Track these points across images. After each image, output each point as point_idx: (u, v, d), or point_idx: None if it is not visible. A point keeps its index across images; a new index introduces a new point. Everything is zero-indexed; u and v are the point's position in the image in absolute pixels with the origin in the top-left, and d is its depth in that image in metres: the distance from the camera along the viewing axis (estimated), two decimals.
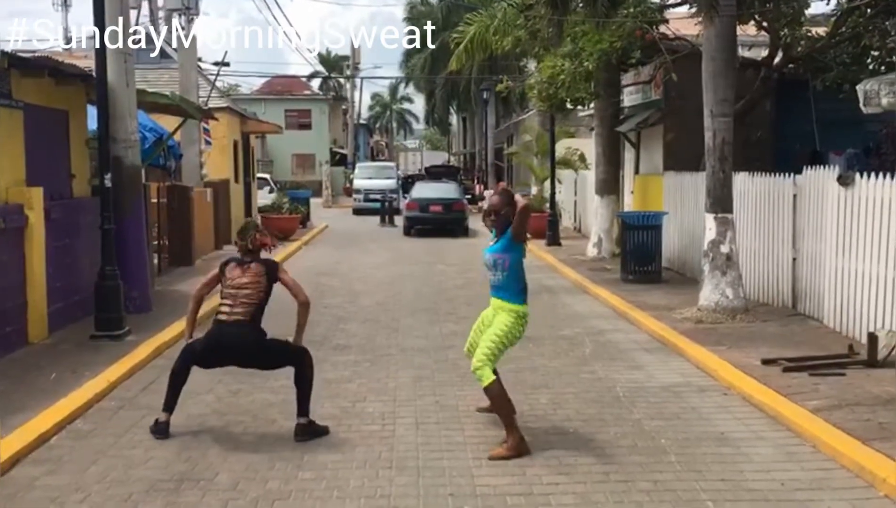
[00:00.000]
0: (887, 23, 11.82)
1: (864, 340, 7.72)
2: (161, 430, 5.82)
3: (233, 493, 4.84)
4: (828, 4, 11.86)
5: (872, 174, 8.09)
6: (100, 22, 8.95)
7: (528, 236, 5.88)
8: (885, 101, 7.48)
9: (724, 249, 9.79)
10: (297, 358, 6.05)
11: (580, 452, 5.47)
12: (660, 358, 8.18)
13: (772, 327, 9.08)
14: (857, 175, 8.33)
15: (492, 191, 5.73)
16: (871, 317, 7.96)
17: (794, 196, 9.72)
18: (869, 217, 8.07)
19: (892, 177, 7.77)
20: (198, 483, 4.98)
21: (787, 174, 9.96)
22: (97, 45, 8.98)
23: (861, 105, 8.07)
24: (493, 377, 5.56)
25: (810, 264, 9.38)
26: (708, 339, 8.52)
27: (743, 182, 10.81)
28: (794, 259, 9.76)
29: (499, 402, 5.58)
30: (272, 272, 6.06)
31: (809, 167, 9.70)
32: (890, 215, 7.76)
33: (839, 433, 5.50)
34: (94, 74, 9.31)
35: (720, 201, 9.86)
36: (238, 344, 5.90)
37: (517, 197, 5.73)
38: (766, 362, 7.38)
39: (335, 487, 4.92)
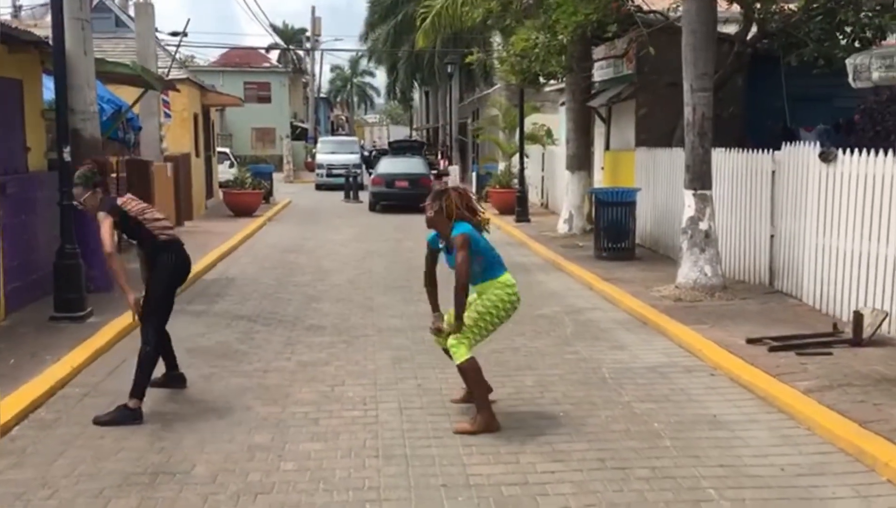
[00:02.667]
0: None
1: (847, 318, 7.68)
2: (138, 416, 5.57)
3: (212, 487, 4.56)
4: None
5: (856, 150, 8.00)
6: None
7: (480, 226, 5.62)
8: (875, 75, 7.36)
9: (703, 226, 9.68)
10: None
11: (573, 438, 5.29)
12: (642, 338, 8.05)
13: (751, 304, 9.00)
14: (840, 151, 8.23)
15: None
16: (853, 295, 7.91)
17: (773, 172, 9.63)
18: (852, 194, 7.99)
19: (875, 153, 7.69)
20: (174, 477, 4.69)
21: (765, 150, 9.85)
22: (54, 12, 8.49)
23: (850, 79, 7.95)
24: (469, 355, 5.36)
25: (789, 241, 9.30)
26: (689, 317, 8.40)
27: (719, 158, 10.70)
28: (772, 236, 9.69)
29: (472, 376, 5.40)
30: None
31: (787, 143, 9.61)
32: (873, 192, 7.68)
33: (834, 415, 5.39)
34: (49, 41, 8.81)
35: (699, 178, 9.73)
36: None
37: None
38: (750, 341, 7.28)
39: (320, 479, 4.67)
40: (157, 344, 5.85)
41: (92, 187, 5.89)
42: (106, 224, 5.69)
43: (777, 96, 14.21)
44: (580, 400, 6.06)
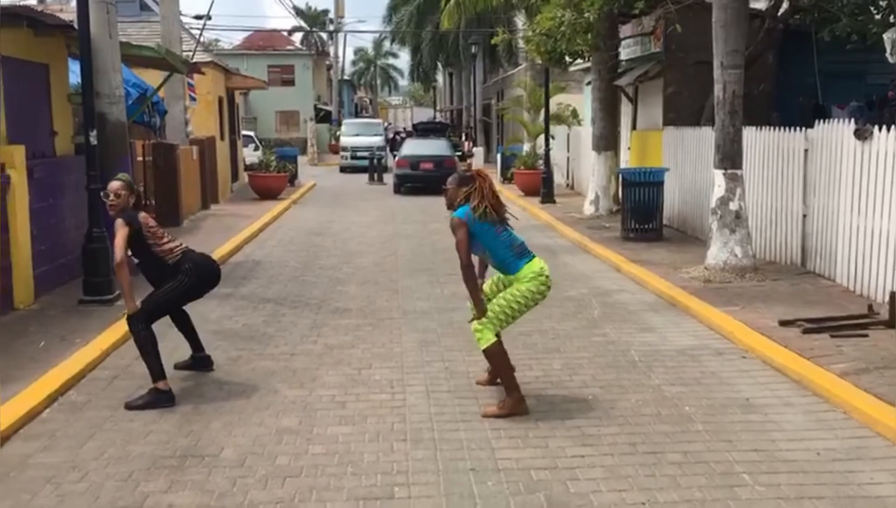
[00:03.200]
0: None
1: (882, 299, 7.52)
2: (170, 397, 5.62)
3: (240, 470, 4.56)
4: None
5: (892, 127, 7.79)
6: None
7: (502, 218, 5.46)
8: None
9: (734, 206, 9.51)
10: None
11: (602, 421, 5.22)
12: (671, 319, 7.94)
13: (783, 286, 8.85)
14: (875, 129, 8.02)
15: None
16: (888, 276, 7.72)
17: (806, 151, 9.42)
18: (887, 172, 7.79)
19: None
20: (202, 460, 4.69)
21: (797, 128, 9.64)
22: None
23: (888, 54, 7.77)
24: (494, 339, 5.31)
25: (822, 220, 9.12)
26: (719, 299, 8.28)
27: (750, 137, 10.50)
28: (805, 216, 9.50)
29: (498, 360, 5.38)
30: None
31: (819, 121, 9.40)
32: None
33: (871, 398, 5.28)
34: (75, 25, 8.81)
35: (730, 157, 9.56)
36: None
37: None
38: (783, 323, 7.15)
39: (349, 462, 4.65)
40: (147, 329, 5.74)
41: (129, 191, 5.88)
42: (121, 233, 5.64)
43: (809, 73, 13.94)
44: (609, 383, 5.98)
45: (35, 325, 7.58)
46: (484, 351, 5.38)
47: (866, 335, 6.68)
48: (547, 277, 5.41)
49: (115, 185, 5.93)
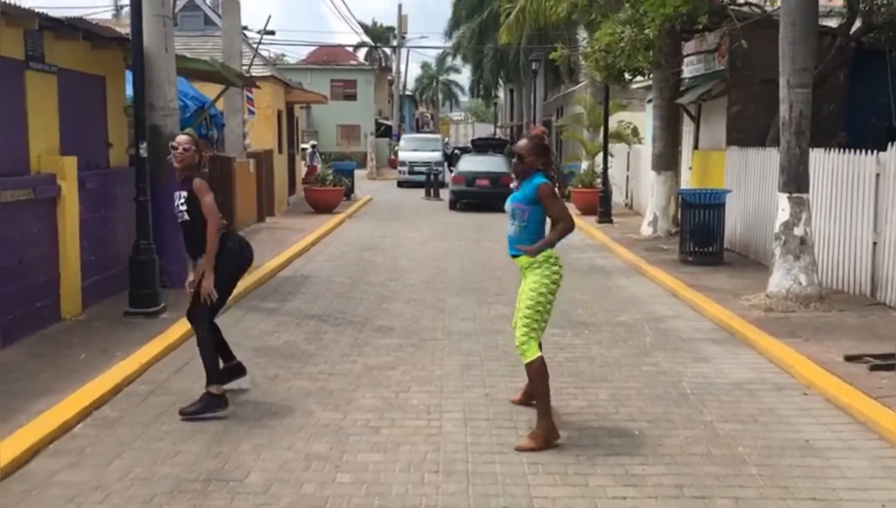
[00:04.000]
0: None
1: None
2: (223, 402, 5.65)
3: (264, 497, 4.38)
4: None
5: None
6: None
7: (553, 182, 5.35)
8: None
9: (798, 231, 9.07)
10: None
11: (648, 459, 4.91)
12: (728, 350, 7.55)
13: (850, 317, 8.36)
14: None
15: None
16: None
17: (877, 175, 8.93)
18: None
19: None
20: (226, 485, 4.53)
21: (868, 151, 9.16)
22: (133, 8, 8.55)
23: None
24: (538, 353, 5.14)
25: (894, 249, 8.60)
26: (780, 330, 7.85)
27: (817, 159, 10.02)
28: (875, 244, 8.99)
29: (538, 380, 5.16)
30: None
31: (892, 143, 8.91)
32: None
33: None
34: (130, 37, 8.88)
35: (795, 180, 9.12)
36: None
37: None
38: (849, 358, 6.71)
39: (376, 494, 4.43)
40: (210, 326, 5.81)
41: (196, 148, 5.80)
42: (211, 196, 5.64)
43: (882, 93, 13.33)
44: (658, 417, 5.66)
45: (79, 336, 7.59)
46: (527, 366, 5.18)
47: None
48: (557, 258, 5.29)
49: (182, 138, 5.83)
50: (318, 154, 26.23)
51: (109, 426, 5.48)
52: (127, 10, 9.80)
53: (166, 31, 9.80)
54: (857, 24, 12.36)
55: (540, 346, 5.23)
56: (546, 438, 5.05)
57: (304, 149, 27.30)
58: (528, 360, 5.15)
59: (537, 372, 5.16)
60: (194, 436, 5.27)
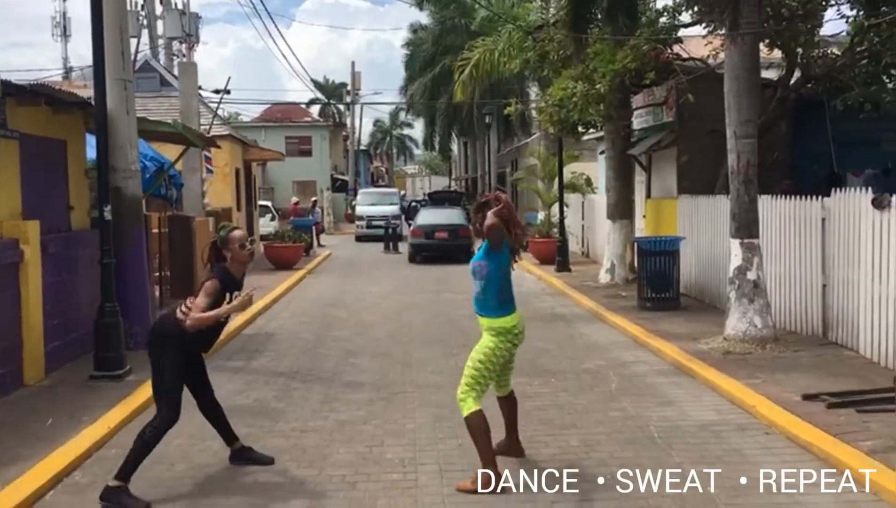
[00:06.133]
0: None
1: None
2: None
3: None
4: (847, 23, 11.50)
5: None
6: (98, 49, 8.61)
7: (517, 246, 5.59)
8: None
9: (751, 275, 9.39)
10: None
11: (622, 504, 5.02)
12: (691, 392, 7.75)
13: (805, 357, 8.64)
14: (893, 198, 7.93)
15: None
16: None
17: (823, 220, 9.32)
18: None
19: None
20: None
21: (814, 197, 9.57)
22: (96, 73, 8.64)
23: None
24: (476, 408, 5.31)
25: (842, 290, 8.96)
26: (740, 371, 8.08)
27: (766, 206, 10.42)
28: (825, 286, 9.35)
29: (477, 434, 5.32)
30: None
31: (835, 189, 9.33)
32: None
33: None
34: (92, 102, 8.96)
35: (746, 226, 9.47)
36: None
37: (497, 198, 5.50)
38: (807, 397, 6.95)
39: None
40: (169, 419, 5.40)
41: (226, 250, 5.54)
42: (205, 299, 5.31)
43: (823, 141, 13.92)
44: (628, 461, 5.78)
45: (44, 402, 7.49)
46: (465, 420, 5.35)
47: (894, 411, 6.45)
48: (517, 334, 5.43)
49: (234, 236, 5.53)
50: (319, 209, 26.19)
51: (81, 493, 5.42)
52: (76, 72, 9.85)
53: (127, 95, 9.88)
54: (797, 75, 12.94)
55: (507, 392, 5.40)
56: (484, 483, 5.20)
57: (262, 206, 27.33)
58: (466, 414, 5.33)
59: (475, 426, 5.32)
60: (167, 500, 5.24)
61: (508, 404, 5.87)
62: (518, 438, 5.91)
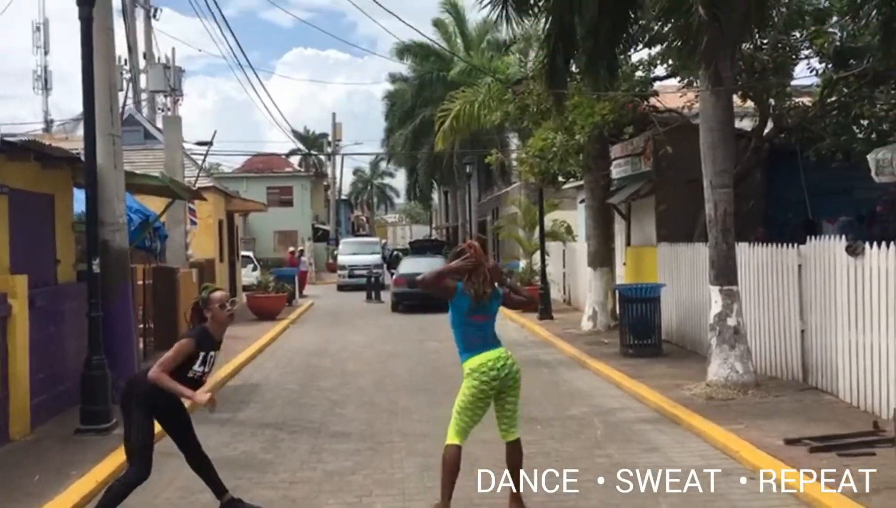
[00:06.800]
0: (875, 91, 11.92)
1: (887, 415, 7.45)
2: None
3: None
4: (817, 76, 11.93)
5: (883, 244, 7.93)
6: (89, 105, 8.76)
7: (484, 291, 5.65)
8: None
9: (731, 322, 9.57)
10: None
11: None
12: (675, 439, 7.85)
13: (786, 402, 8.78)
14: (867, 244, 8.16)
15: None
16: (891, 391, 7.69)
17: (799, 266, 9.55)
18: (882, 288, 7.88)
19: None
20: None
21: (790, 244, 9.81)
22: (86, 128, 8.78)
23: (873, 174, 7.98)
24: (449, 441, 5.54)
25: (820, 336, 9.14)
26: (723, 417, 8.20)
27: (744, 253, 10.65)
28: (803, 331, 9.54)
29: (442, 467, 5.53)
30: None
31: (810, 236, 9.58)
32: None
33: None
34: (81, 156, 9.07)
35: (725, 273, 9.68)
36: None
37: (469, 246, 5.72)
38: (789, 441, 7.07)
39: None
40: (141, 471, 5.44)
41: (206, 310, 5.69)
42: (173, 355, 5.45)
43: (797, 189, 14.26)
44: None
45: (31, 457, 7.46)
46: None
47: (873, 454, 6.59)
48: (484, 372, 5.52)
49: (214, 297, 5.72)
50: (305, 259, 26.26)
51: None
52: (56, 125, 9.98)
53: (115, 149, 10.00)
54: (770, 126, 13.33)
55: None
56: None
57: (244, 256, 27.36)
58: (445, 443, 5.56)
59: (444, 458, 5.55)
60: None
61: (511, 455, 5.73)
62: (517, 495, 5.71)
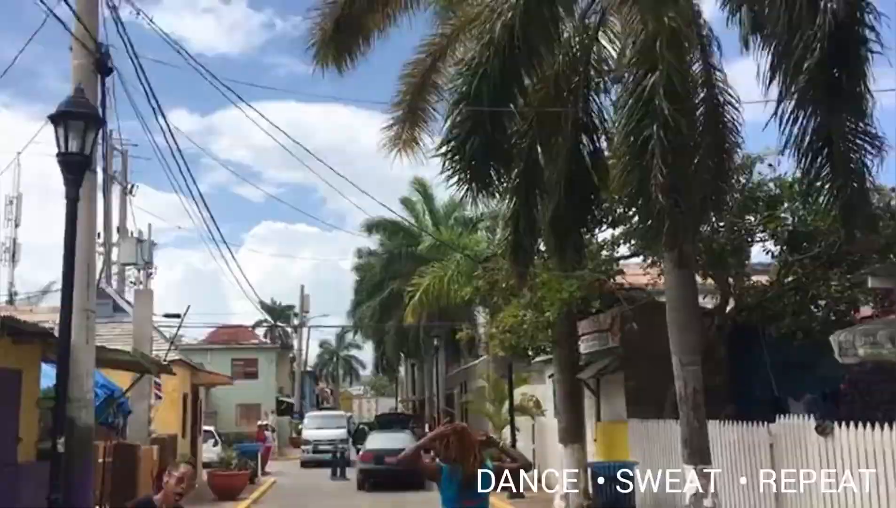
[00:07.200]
0: (829, 273, 12.47)
1: None
2: None
3: None
4: (773, 258, 12.50)
5: (851, 424, 8.07)
6: (68, 282, 8.83)
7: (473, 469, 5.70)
8: (861, 351, 7.66)
9: (707, 502, 9.49)
10: None
11: None
12: None
13: None
14: (836, 425, 8.30)
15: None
16: None
17: (771, 445, 9.61)
18: (855, 468, 7.93)
19: (872, 427, 7.76)
20: None
21: (760, 423, 9.91)
22: (63, 305, 8.80)
23: (836, 355, 8.24)
24: None
25: None
26: None
27: (715, 431, 10.70)
28: None
29: None
30: None
31: (778, 415, 9.71)
32: (876, 467, 7.64)
33: None
34: (54, 332, 9.04)
35: (698, 452, 9.70)
36: None
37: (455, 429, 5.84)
38: None
39: None
40: None
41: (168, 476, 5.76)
42: None
43: (761, 364, 14.50)
44: None
45: None
46: None
47: None
48: None
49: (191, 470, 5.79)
50: (268, 434, 25.63)
51: None
52: (20, 297, 10.02)
53: (89, 324, 9.96)
54: (731, 304, 13.75)
55: None
56: None
57: (205, 431, 26.65)
58: None
59: None
60: None
61: None
62: None
